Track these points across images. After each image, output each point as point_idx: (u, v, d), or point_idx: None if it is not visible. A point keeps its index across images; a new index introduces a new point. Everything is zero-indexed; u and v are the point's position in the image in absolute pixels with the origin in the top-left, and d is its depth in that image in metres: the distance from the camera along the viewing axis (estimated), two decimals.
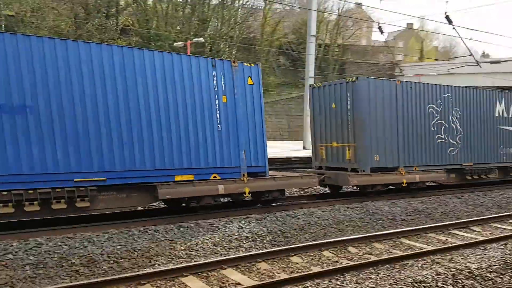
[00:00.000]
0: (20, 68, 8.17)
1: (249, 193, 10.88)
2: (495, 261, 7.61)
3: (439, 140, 14.46)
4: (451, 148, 14.82)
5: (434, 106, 14.26)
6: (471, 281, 6.67)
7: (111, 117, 9.04)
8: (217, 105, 10.34)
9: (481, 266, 7.29)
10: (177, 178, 9.88)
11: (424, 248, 8.47)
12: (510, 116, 16.71)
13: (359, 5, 46.55)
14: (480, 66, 20.31)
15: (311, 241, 8.93)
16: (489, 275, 6.97)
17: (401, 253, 8.06)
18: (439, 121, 14.41)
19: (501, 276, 7.01)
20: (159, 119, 9.62)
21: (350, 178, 12.63)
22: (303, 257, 7.93)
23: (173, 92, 9.79)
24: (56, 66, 8.51)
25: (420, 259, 7.79)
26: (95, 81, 8.89)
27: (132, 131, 9.28)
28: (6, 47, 8.03)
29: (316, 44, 36.83)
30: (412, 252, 8.04)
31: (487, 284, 6.65)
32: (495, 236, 9.48)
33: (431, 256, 7.97)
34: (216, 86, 10.34)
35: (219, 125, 10.41)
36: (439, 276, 6.75)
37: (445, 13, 14.59)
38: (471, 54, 18.69)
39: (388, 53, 50.41)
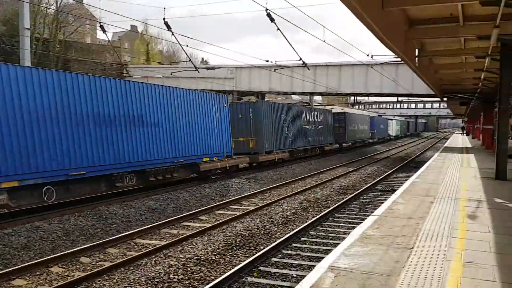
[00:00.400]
0: (157, 101, 14.63)
1: (228, 167, 18.54)
2: (218, 245, 8.57)
3: (285, 134, 24.18)
4: (289, 139, 24.78)
5: (283, 115, 24.00)
6: (199, 267, 7.29)
7: (184, 128, 15.86)
8: (215, 118, 17.81)
9: (207, 251, 8.07)
10: (204, 159, 16.98)
11: (158, 245, 8.75)
12: (306, 120, 27.84)
13: (79, 1, 43.99)
14: (198, 72, 22.53)
15: (36, 259, 7.90)
16: (214, 258, 7.79)
17: (135, 254, 8.07)
18: (285, 124, 24.13)
19: (223, 257, 7.94)
20: (200, 127, 16.79)
21: (259, 157, 21.11)
22: (28, 278, 7.02)
23: (203, 112, 17.04)
24: (169, 100, 15.22)
25: (154, 256, 8.00)
26: (182, 109, 15.93)
27: (191, 134, 16.19)
28: (150, 92, 14.53)
29: (33, 39, 32.82)
30: (146, 251, 8.17)
31: (212, 266, 7.41)
32: (218, 222, 10.72)
33: (164, 251, 8.31)
34: (215, 108, 17.82)
35: (216, 129, 17.83)
36: (171, 268, 7.09)
37: (164, 19, 15.49)
38: (189, 60, 20.52)
39: (114, 53, 49.90)
